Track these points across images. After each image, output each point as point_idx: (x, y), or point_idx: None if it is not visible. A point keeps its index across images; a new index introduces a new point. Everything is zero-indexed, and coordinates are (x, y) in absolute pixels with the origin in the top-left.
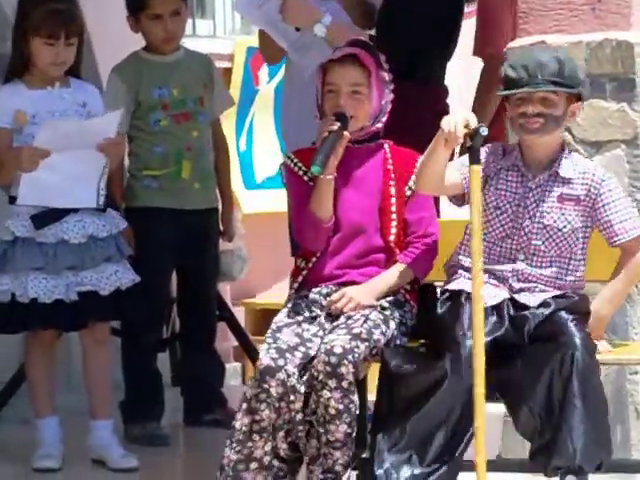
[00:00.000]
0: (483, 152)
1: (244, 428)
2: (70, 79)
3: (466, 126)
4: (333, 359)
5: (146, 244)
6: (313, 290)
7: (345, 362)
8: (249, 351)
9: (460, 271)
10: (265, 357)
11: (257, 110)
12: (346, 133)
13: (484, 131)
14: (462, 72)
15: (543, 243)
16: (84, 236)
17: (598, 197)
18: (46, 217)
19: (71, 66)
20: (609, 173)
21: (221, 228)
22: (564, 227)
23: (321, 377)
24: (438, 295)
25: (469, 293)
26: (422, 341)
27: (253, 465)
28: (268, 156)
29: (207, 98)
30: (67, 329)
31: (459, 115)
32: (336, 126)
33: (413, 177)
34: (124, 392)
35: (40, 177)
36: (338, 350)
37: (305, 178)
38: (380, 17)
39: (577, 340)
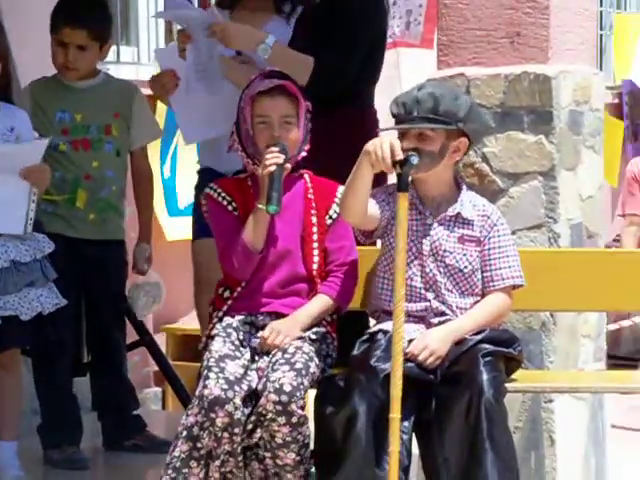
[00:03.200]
0: (382, 193)
1: (182, 455)
2: (0, 103)
3: (391, 152)
4: (284, 398)
5: None
6: (237, 318)
7: (294, 399)
8: (169, 376)
9: (383, 315)
10: (215, 387)
11: (181, 137)
12: (288, 165)
13: (415, 160)
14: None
15: (447, 280)
16: (6, 261)
17: (486, 239)
18: None
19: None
20: (502, 218)
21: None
22: (465, 267)
23: (270, 415)
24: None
25: (386, 330)
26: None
27: None
28: (191, 183)
29: (117, 127)
30: None
31: (385, 139)
32: (282, 159)
33: (334, 206)
34: (40, 416)
35: None
36: (287, 388)
37: (230, 208)
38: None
39: (484, 382)
